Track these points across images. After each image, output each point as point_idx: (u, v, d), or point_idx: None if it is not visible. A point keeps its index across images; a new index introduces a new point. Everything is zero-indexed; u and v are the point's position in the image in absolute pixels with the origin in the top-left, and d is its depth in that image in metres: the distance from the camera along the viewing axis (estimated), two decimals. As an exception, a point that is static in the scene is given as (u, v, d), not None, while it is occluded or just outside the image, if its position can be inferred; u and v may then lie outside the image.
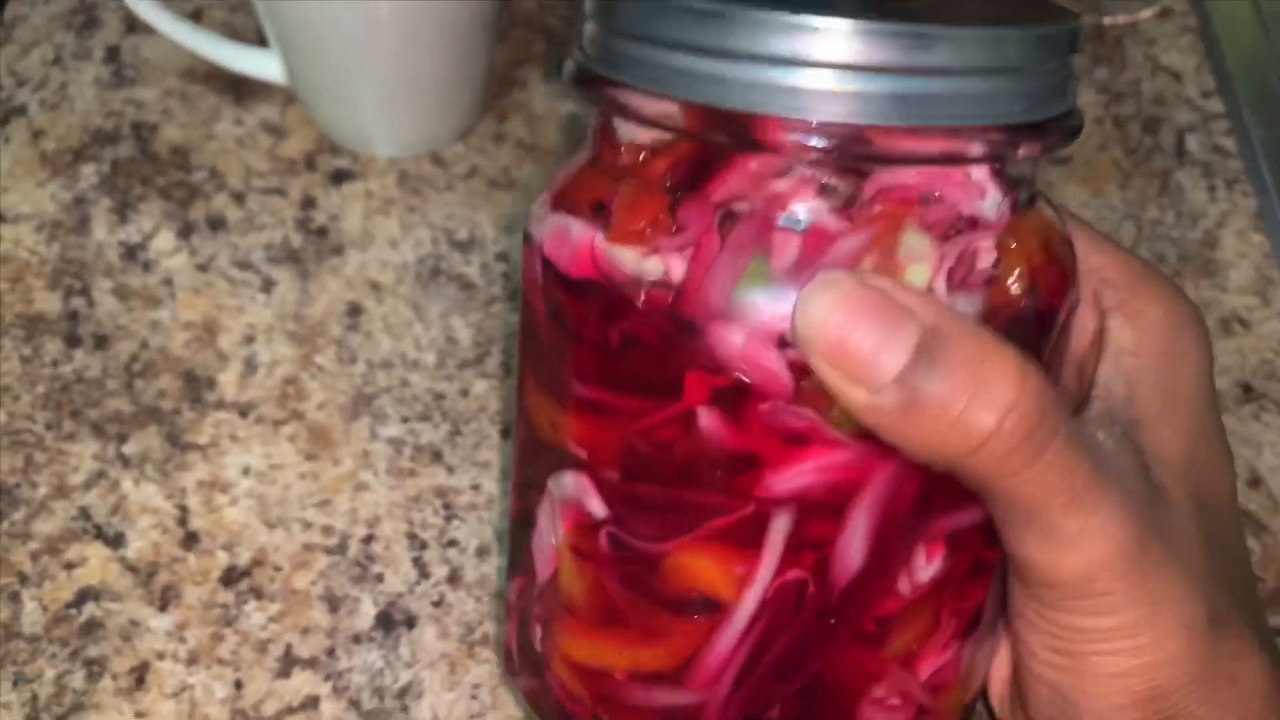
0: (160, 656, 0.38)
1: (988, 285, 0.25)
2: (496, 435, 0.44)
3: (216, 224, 0.48)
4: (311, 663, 0.39)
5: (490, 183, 0.50)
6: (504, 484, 0.43)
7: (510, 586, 0.35)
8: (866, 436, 0.25)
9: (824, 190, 0.24)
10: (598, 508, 0.28)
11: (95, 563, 0.40)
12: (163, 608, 0.39)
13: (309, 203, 0.49)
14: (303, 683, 0.38)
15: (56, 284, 0.46)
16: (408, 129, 0.49)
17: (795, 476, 0.25)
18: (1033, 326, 0.26)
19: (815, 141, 0.24)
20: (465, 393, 0.44)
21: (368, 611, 0.40)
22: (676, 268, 0.25)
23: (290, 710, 0.38)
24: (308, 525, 0.41)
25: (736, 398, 0.25)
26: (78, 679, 0.37)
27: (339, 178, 0.50)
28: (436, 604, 0.40)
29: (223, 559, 0.40)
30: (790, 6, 0.23)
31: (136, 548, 0.40)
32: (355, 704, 0.38)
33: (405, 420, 0.44)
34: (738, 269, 0.25)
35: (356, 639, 0.39)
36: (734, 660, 0.28)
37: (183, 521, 0.41)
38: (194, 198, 0.49)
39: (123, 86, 0.51)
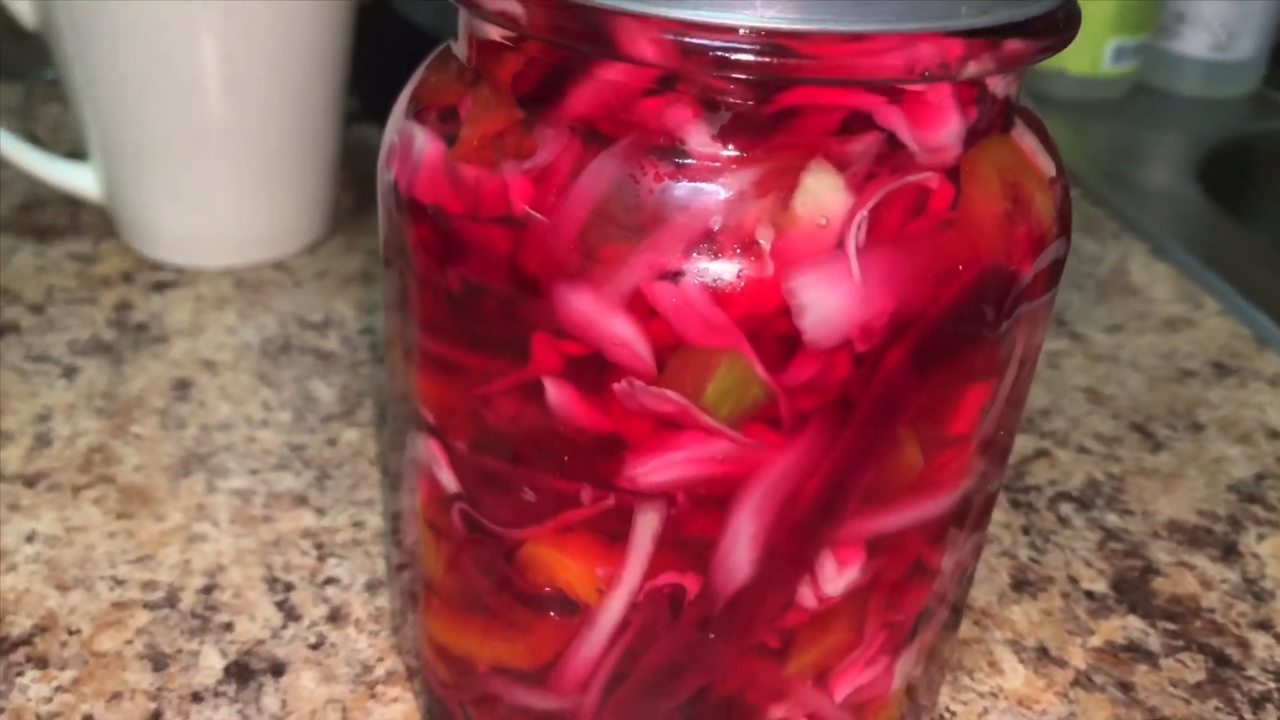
0: None
1: (934, 235, 0.18)
2: (378, 475, 0.33)
3: (5, 330, 0.39)
4: (123, 733, 0.25)
5: (344, 280, 0.43)
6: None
7: (395, 547, 0.27)
8: (753, 423, 0.18)
9: (710, 112, 0.17)
10: (449, 480, 0.22)
11: None
12: (-117, 696, 0.26)
13: (125, 306, 0.40)
14: (109, 759, 0.25)
15: None
16: (245, 232, 0.43)
17: (663, 467, 0.19)
18: (991, 293, 0.19)
19: (695, 51, 0.17)
20: (332, 442, 0.35)
21: (212, 664, 0.27)
22: (522, 201, 0.19)
23: (87, 796, 0.24)
24: (119, 583, 0.29)
25: (596, 370, 0.19)
26: None
27: (161, 286, 0.42)
28: (315, 645, 0.28)
29: (-13, 631, 0.27)
30: None
31: None
32: (195, 775, 0.24)
33: (254, 472, 0.33)
34: (591, 210, 0.18)
35: (196, 697, 0.26)
36: (601, 668, 0.21)
37: (-72, 598, 0.28)
38: (-24, 311, 0.40)
39: (-105, 238, 0.44)
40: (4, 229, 0.45)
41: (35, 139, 0.51)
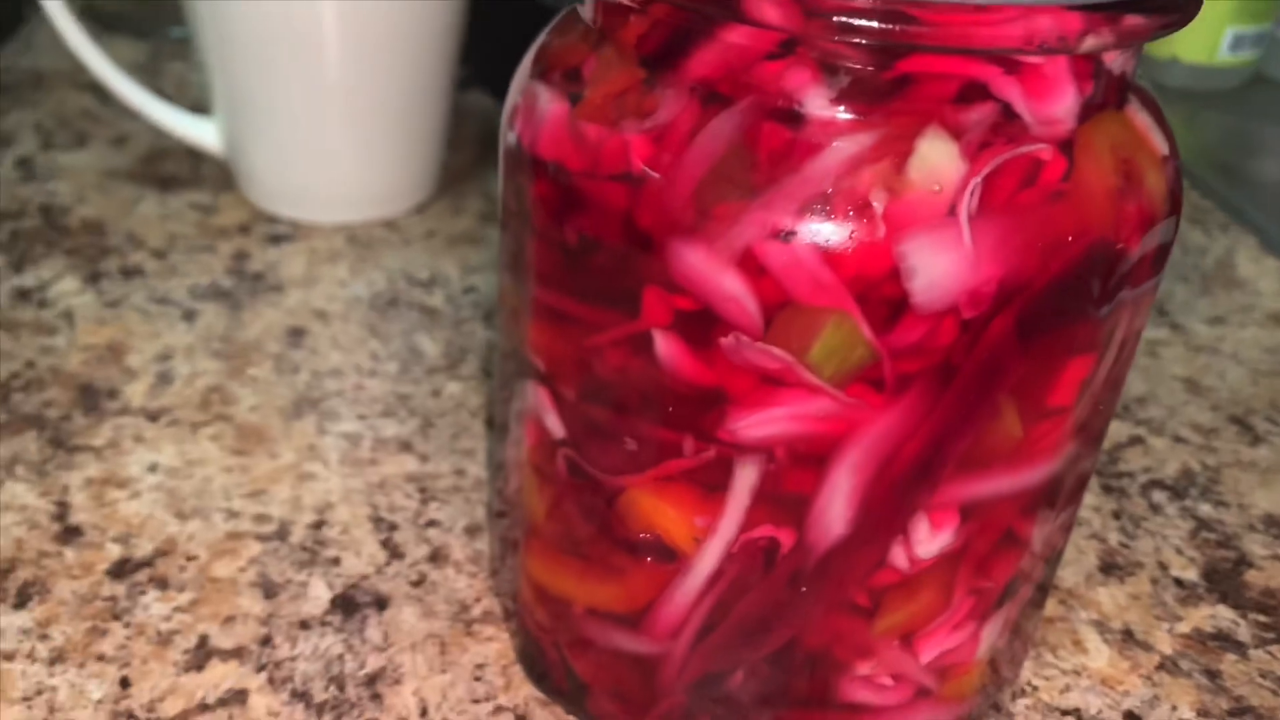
0: (9, 657, 0.26)
1: (1045, 206, 0.18)
2: (479, 426, 0.35)
3: (131, 273, 0.41)
4: (237, 653, 0.27)
5: (451, 240, 0.44)
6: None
7: (497, 494, 0.28)
8: (856, 383, 0.19)
9: (829, 76, 0.18)
10: (556, 427, 0.23)
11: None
12: (20, 605, 0.27)
13: (242, 256, 0.42)
14: (222, 675, 0.26)
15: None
16: (358, 190, 0.44)
17: (764, 422, 0.20)
18: (1098, 267, 0.19)
19: (818, 15, 0.17)
20: (436, 393, 0.36)
21: (320, 595, 0.28)
22: (640, 159, 0.19)
23: (204, 708, 0.25)
24: (234, 515, 0.31)
25: (703, 324, 0.19)
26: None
27: (277, 239, 0.43)
28: (416, 583, 0.29)
29: (113, 551, 0.29)
30: None
31: (-10, 554, 0.29)
32: (302, 695, 0.26)
33: (362, 417, 0.34)
34: (708, 169, 0.19)
35: (304, 624, 0.28)
36: (694, 615, 0.22)
37: (60, 517, 0.30)
38: (105, 254, 0.42)
39: (33, 182, 0.46)
40: (131, 178, 0.47)
41: (161, 94, 0.53)
